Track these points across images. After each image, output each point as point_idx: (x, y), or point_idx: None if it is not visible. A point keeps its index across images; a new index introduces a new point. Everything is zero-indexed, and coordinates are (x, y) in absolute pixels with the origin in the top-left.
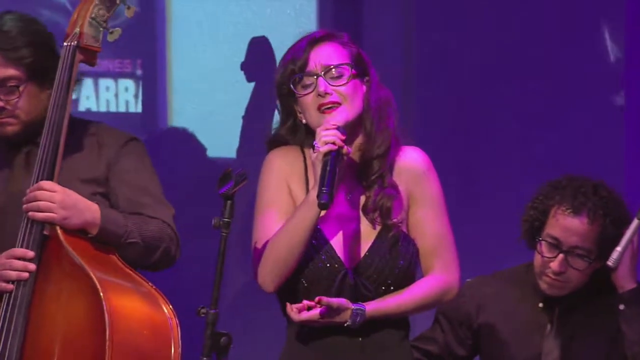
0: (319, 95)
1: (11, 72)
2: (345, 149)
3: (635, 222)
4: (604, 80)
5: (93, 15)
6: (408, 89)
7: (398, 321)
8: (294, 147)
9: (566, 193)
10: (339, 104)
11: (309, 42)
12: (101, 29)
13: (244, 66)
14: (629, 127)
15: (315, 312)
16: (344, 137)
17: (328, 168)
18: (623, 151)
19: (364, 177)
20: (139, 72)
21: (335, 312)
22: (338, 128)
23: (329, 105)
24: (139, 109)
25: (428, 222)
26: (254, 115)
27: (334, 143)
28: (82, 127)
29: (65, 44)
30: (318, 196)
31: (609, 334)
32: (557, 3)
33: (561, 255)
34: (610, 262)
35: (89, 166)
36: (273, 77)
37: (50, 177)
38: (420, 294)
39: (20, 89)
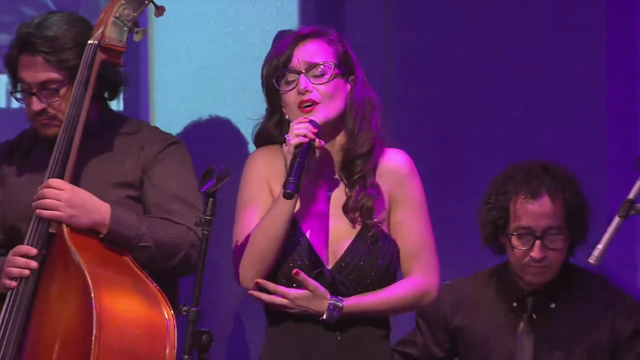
0: (299, 92)
1: (53, 75)
2: (317, 142)
3: (616, 220)
4: (588, 80)
5: (117, 15)
6: (389, 88)
7: (378, 320)
8: (276, 147)
9: (519, 181)
10: (318, 102)
11: (294, 39)
12: (126, 28)
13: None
14: (611, 127)
15: (288, 289)
16: (315, 130)
17: (297, 160)
18: (606, 150)
19: (346, 176)
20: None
21: (311, 295)
22: (311, 121)
23: (308, 104)
24: (121, 107)
25: (409, 225)
26: (237, 114)
27: (305, 135)
28: (122, 125)
29: (89, 42)
30: (284, 186)
31: (581, 332)
32: (542, 2)
33: (538, 242)
34: (591, 260)
35: (125, 169)
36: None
37: (60, 175)
38: (399, 294)
39: (62, 91)
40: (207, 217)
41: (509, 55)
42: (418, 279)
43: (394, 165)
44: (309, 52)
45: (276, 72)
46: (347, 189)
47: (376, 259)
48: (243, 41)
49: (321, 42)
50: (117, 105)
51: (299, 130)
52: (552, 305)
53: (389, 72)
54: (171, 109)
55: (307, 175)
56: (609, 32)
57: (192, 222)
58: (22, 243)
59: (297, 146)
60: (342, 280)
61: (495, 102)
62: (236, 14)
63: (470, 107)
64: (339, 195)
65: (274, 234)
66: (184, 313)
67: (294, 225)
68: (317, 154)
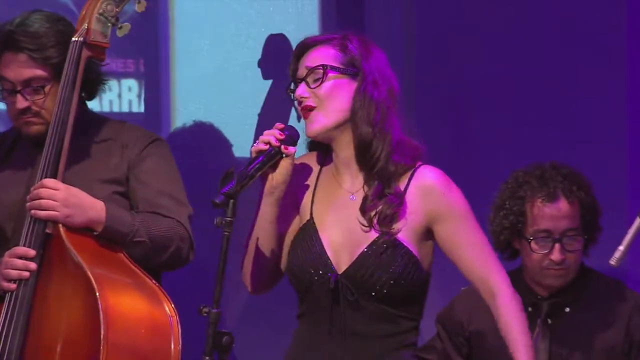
0: (298, 102)
1: (37, 72)
2: (283, 149)
3: (637, 221)
4: (609, 78)
5: (101, 11)
6: (410, 87)
7: (405, 331)
8: (313, 155)
9: (533, 185)
10: (314, 107)
11: (296, 53)
12: (109, 24)
13: (260, 63)
14: (632, 126)
15: None
16: (282, 137)
17: (247, 168)
18: (627, 150)
19: (365, 175)
20: (142, 71)
21: None
22: (285, 128)
23: (307, 109)
24: (142, 109)
25: (463, 235)
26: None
27: (268, 143)
28: (104, 125)
29: (73, 39)
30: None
31: (596, 336)
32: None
33: (557, 245)
34: (612, 262)
35: (111, 166)
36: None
37: (54, 175)
38: (511, 314)
39: (46, 89)
40: (228, 219)
41: (529, 53)
42: (504, 288)
43: (429, 182)
44: (311, 59)
45: (289, 86)
46: (365, 186)
47: (387, 267)
48: (263, 42)
49: (323, 47)
50: (138, 107)
51: (264, 137)
52: (567, 310)
53: (409, 71)
54: (192, 109)
55: (265, 181)
56: (630, 30)
57: (181, 217)
58: (6, 242)
59: (258, 152)
60: (348, 287)
61: (515, 101)
62: (256, 15)
63: (490, 106)
64: (359, 198)
65: (259, 240)
66: (205, 314)
67: (313, 229)
68: (288, 162)
